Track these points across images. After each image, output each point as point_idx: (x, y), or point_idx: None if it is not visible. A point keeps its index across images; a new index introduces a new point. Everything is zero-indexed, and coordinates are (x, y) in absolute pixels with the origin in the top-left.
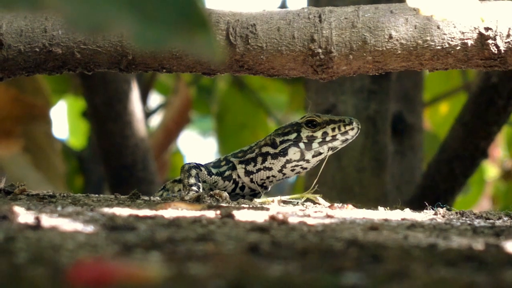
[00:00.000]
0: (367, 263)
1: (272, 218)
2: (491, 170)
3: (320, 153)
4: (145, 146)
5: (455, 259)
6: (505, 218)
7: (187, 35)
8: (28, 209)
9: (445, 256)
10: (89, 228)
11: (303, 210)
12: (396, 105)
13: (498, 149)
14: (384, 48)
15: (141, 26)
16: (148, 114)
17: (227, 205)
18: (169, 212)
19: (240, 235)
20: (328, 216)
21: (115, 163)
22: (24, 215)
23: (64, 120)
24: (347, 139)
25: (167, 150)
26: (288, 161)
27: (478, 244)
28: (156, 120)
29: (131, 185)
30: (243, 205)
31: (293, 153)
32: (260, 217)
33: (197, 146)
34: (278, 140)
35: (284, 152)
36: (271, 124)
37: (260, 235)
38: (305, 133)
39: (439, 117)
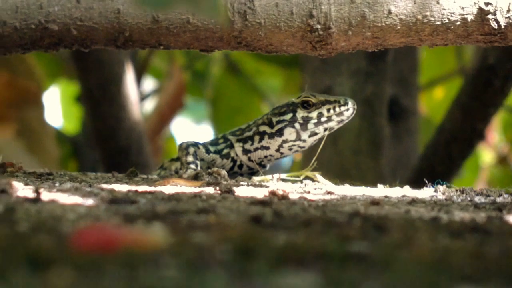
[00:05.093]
0: (371, 232)
1: (273, 193)
2: (486, 155)
3: (316, 133)
4: (140, 130)
5: (459, 230)
6: (506, 195)
7: None
8: (26, 184)
9: (449, 227)
10: (89, 201)
11: (303, 187)
12: (392, 89)
13: (493, 134)
14: (384, 24)
15: None
16: (141, 98)
17: (226, 182)
18: (168, 188)
19: (241, 208)
20: (328, 193)
21: (110, 146)
22: (22, 190)
23: (57, 105)
24: (342, 120)
25: (161, 134)
26: (284, 141)
27: (481, 218)
28: (149, 104)
29: (126, 168)
30: (242, 183)
31: (289, 134)
32: (260, 193)
33: (191, 133)
34: (274, 120)
35: (280, 132)
36: (265, 108)
37: (262, 208)
38: (300, 113)
39: (434, 101)
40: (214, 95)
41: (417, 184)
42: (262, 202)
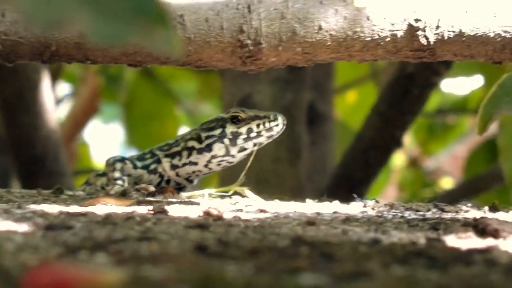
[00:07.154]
0: (320, 262)
1: (207, 213)
2: (397, 157)
3: (245, 149)
4: (56, 137)
5: (404, 255)
6: (434, 210)
7: (145, 30)
8: None
9: (392, 253)
10: (24, 228)
11: (234, 204)
12: (308, 94)
13: (405, 137)
14: (314, 40)
15: (99, 22)
16: (55, 103)
17: (155, 199)
18: (99, 209)
19: (180, 232)
20: (261, 211)
21: (25, 155)
22: None
23: None
24: (272, 135)
25: (75, 140)
26: (213, 157)
27: (420, 239)
28: (63, 109)
29: (42, 177)
30: (172, 200)
31: (218, 149)
32: (193, 212)
33: (102, 135)
34: (203, 135)
35: (209, 148)
36: (179, 113)
37: (201, 233)
38: (229, 129)
39: (347, 105)
40: (128, 99)
41: (334, 191)
42: (199, 225)
